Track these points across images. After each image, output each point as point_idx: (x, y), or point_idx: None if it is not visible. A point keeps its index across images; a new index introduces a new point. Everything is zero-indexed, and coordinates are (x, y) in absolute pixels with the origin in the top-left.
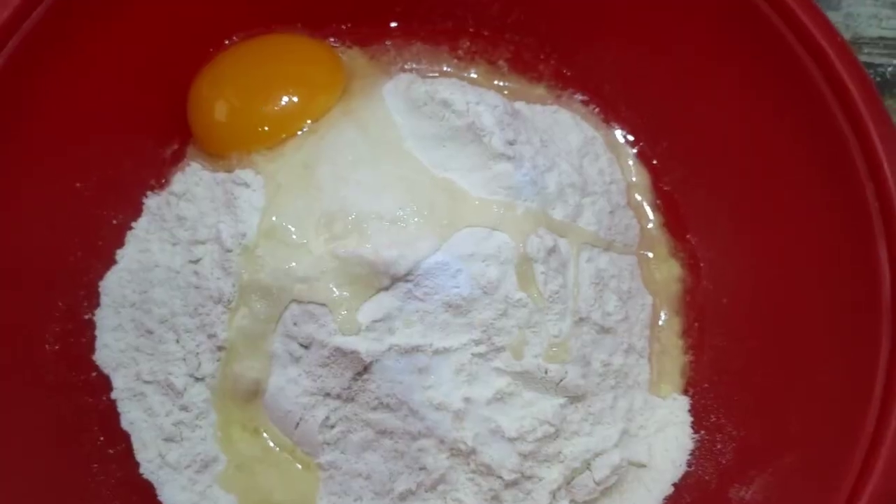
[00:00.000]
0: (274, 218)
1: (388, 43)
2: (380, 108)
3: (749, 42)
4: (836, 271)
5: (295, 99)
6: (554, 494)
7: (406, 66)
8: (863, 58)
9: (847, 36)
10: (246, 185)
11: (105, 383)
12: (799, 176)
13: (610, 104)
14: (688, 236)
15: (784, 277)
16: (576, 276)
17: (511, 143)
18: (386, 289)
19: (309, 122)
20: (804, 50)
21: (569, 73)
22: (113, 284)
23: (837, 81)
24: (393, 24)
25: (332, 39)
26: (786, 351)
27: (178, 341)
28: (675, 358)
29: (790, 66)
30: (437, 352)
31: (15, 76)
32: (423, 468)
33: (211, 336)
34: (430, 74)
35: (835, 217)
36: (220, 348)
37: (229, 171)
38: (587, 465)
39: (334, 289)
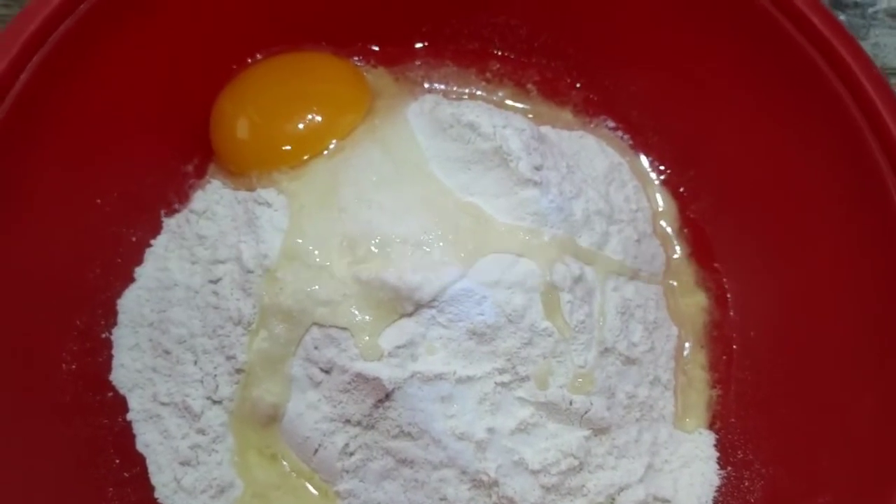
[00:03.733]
0: (297, 240)
1: (417, 63)
2: (404, 130)
3: (782, 71)
4: (869, 307)
5: (319, 118)
6: None
7: (433, 88)
8: None
9: None
10: (268, 204)
11: (121, 404)
12: (831, 207)
13: (638, 130)
14: (715, 265)
15: (814, 311)
16: (602, 305)
17: (538, 169)
18: (409, 314)
19: (334, 141)
20: (840, 81)
21: (596, 98)
22: (131, 303)
23: (873, 113)
24: (419, 45)
25: (356, 58)
26: (816, 387)
27: (196, 363)
28: (700, 391)
29: (824, 96)
30: (460, 380)
31: (38, 89)
32: (443, 499)
33: (230, 358)
34: (458, 96)
35: (867, 250)
36: (238, 371)
37: (251, 189)
38: (611, 500)
39: (356, 313)
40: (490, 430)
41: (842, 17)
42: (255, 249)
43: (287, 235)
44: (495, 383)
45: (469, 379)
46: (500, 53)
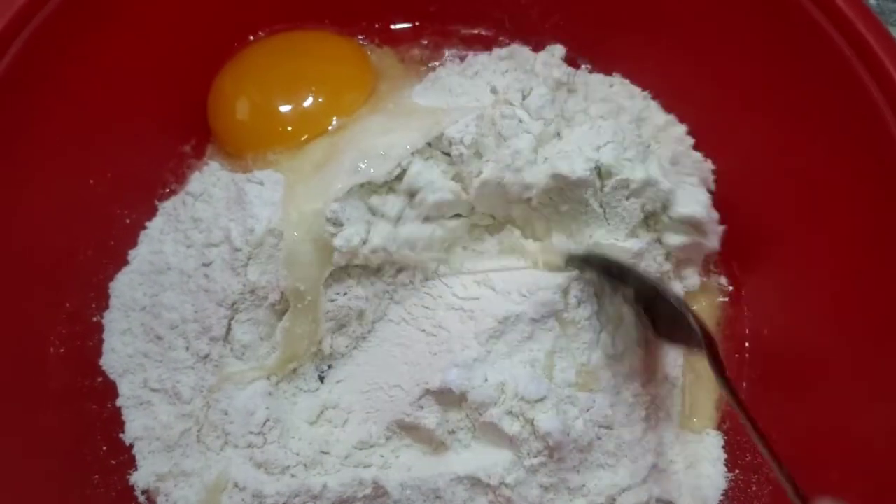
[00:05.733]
0: (289, 209)
1: (423, 42)
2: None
3: (804, 58)
4: (890, 309)
5: (320, 99)
6: None
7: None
8: None
9: None
10: (260, 183)
11: (111, 390)
12: (853, 203)
13: None
14: (730, 260)
15: (831, 311)
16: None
17: None
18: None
19: (335, 120)
20: (865, 69)
21: None
22: (123, 286)
23: None
24: (426, 25)
25: (361, 38)
26: (830, 391)
27: (187, 348)
28: (710, 390)
29: (848, 84)
30: None
31: (31, 65)
32: (439, 498)
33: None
34: None
35: (892, 251)
36: None
37: (248, 170)
38: (612, 501)
39: None
40: None
41: (871, 1)
42: (243, 225)
43: (281, 206)
44: None
45: None
46: (509, 35)
